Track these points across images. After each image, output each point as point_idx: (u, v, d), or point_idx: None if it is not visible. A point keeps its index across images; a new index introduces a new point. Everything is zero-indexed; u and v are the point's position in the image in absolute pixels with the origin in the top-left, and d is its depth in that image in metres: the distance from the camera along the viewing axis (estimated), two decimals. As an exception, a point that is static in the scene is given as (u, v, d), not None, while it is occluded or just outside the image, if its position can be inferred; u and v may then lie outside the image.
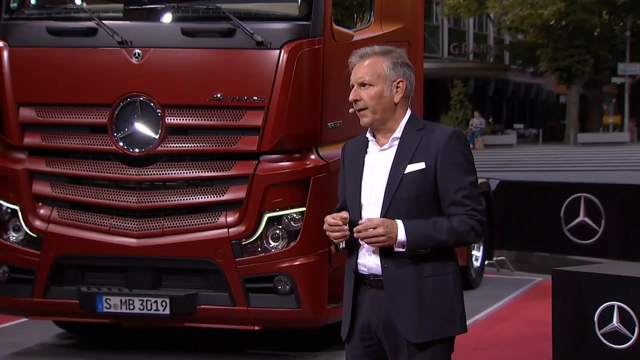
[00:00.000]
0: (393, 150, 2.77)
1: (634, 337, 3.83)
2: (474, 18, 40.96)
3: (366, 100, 2.77)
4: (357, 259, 2.78)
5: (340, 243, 2.77)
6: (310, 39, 4.91)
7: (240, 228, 4.91)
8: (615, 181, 10.72)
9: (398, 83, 2.78)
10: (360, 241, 2.75)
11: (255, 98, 4.87)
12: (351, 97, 2.79)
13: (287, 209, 4.89)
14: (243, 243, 4.90)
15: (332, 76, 5.03)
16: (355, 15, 5.69)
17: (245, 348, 5.63)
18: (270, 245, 4.91)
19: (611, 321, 3.88)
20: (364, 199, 2.77)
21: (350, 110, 2.83)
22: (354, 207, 2.78)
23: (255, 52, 4.88)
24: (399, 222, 2.67)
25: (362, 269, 2.77)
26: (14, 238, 5.21)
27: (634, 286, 3.89)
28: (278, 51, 4.84)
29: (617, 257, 7.79)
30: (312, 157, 4.98)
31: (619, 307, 3.86)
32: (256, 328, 5.03)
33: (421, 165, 2.72)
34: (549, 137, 37.85)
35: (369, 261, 2.76)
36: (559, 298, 4.10)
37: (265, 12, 5.16)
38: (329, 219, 2.72)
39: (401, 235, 2.66)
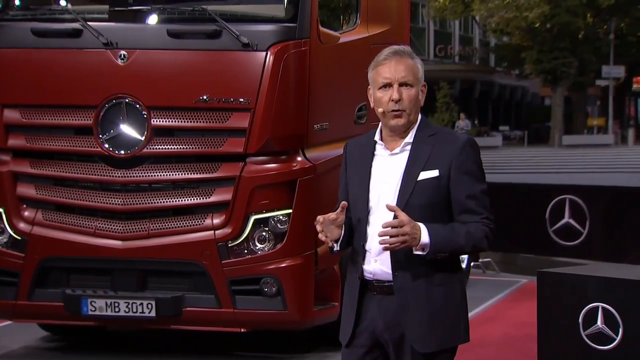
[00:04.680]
0: (405, 155, 2.72)
1: (618, 338, 3.86)
2: (460, 20, 41.11)
3: (406, 101, 2.69)
4: (362, 265, 2.73)
5: (334, 245, 2.72)
6: (297, 41, 4.91)
7: (227, 230, 4.90)
8: (599, 183, 10.78)
9: (422, 87, 2.77)
10: (365, 247, 2.70)
11: (242, 100, 4.86)
12: (395, 96, 2.67)
13: (273, 210, 4.89)
14: (229, 245, 4.89)
15: (319, 78, 5.03)
16: (341, 17, 5.70)
17: (232, 350, 5.62)
18: (257, 247, 4.90)
19: (595, 322, 3.91)
20: (372, 203, 2.71)
21: (380, 110, 2.71)
22: (361, 212, 2.72)
23: (242, 54, 4.87)
24: (422, 225, 2.61)
25: (368, 275, 2.73)
26: (-3, 240, 5.18)
27: (618, 287, 3.92)
28: (264, 53, 4.84)
29: (602, 259, 7.83)
30: (299, 158, 4.98)
31: (603, 308, 3.88)
32: (242, 330, 5.03)
33: (435, 173, 2.67)
34: (534, 139, 38.04)
35: (374, 267, 2.72)
36: (544, 299, 4.12)
37: (251, 14, 5.16)
38: (319, 218, 2.67)
39: (424, 237, 2.60)
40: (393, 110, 2.69)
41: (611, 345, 3.87)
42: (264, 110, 4.84)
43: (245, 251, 4.91)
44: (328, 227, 2.67)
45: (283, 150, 4.97)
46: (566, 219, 8.40)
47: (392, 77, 2.69)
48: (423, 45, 40.17)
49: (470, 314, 7.35)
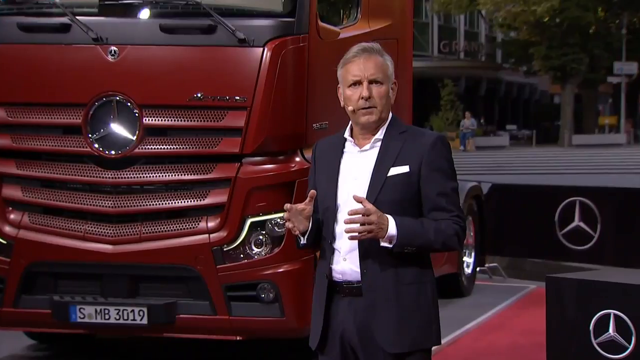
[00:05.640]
0: (375, 151, 2.79)
1: (631, 347, 3.87)
2: (465, 15, 41.15)
3: (376, 98, 2.77)
4: (330, 264, 2.78)
5: (302, 238, 2.77)
6: (295, 37, 4.92)
7: (222, 234, 4.90)
8: (611, 184, 10.82)
9: (393, 84, 2.83)
10: (334, 245, 2.74)
11: (238, 98, 4.87)
12: (365, 93, 2.75)
13: (270, 213, 4.89)
14: (225, 249, 4.90)
15: (318, 75, 5.04)
16: (341, 11, 5.71)
17: (227, 359, 5.62)
18: (253, 252, 4.91)
19: (607, 330, 3.92)
20: (340, 200, 2.78)
21: (350, 108, 2.79)
22: (329, 209, 2.79)
23: (238, 50, 4.88)
24: (389, 216, 2.68)
25: (337, 276, 2.78)
26: (-18, 245, 5.18)
27: (630, 294, 3.93)
28: (261, 49, 4.85)
29: (614, 264, 7.85)
30: (297, 159, 4.99)
31: (615, 315, 3.89)
32: (238, 338, 5.03)
33: (405, 169, 2.75)
34: (543, 138, 38.12)
35: (343, 267, 2.76)
36: (553, 306, 4.13)
37: (247, 8, 5.16)
38: (286, 205, 2.74)
39: (392, 228, 2.67)
40: (363, 108, 2.76)
41: (623, 354, 3.88)
42: (261, 108, 4.85)
43: (241, 256, 4.91)
44: (296, 217, 2.73)
45: (281, 150, 4.98)
46: (576, 222, 8.42)
47: (361, 75, 2.78)
48: (427, 41, 40.22)
49: (476, 322, 7.36)
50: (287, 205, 2.74)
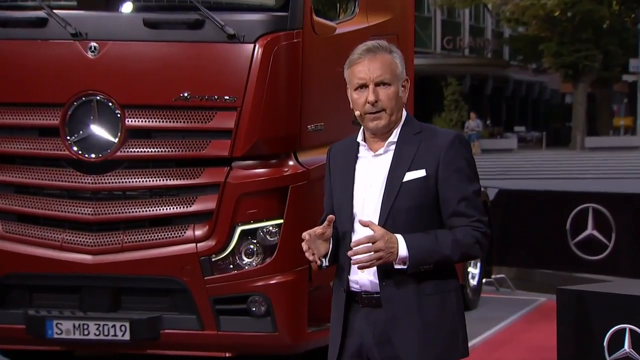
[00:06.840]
0: (389, 155, 2.80)
1: (647, 363, 3.88)
2: (470, 9, 41.30)
3: (385, 101, 2.77)
4: (347, 275, 2.80)
5: (323, 260, 2.79)
6: (288, 32, 4.94)
7: (210, 243, 4.91)
8: (627, 190, 10.84)
9: (404, 82, 2.83)
10: (352, 259, 2.76)
11: (227, 98, 4.88)
12: (371, 98, 2.75)
13: (262, 221, 4.90)
14: (213, 259, 4.91)
15: (313, 73, 5.06)
16: (338, 5, 5.73)
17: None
18: (244, 262, 4.92)
19: (622, 346, 3.93)
20: (356, 210, 2.79)
21: (357, 113, 2.80)
22: (345, 219, 2.80)
23: (227, 47, 4.90)
24: (399, 236, 2.69)
25: (354, 287, 2.80)
26: (-48, 255, 5.18)
27: (647, 307, 3.94)
28: (252, 45, 4.86)
29: (629, 275, 7.88)
30: (290, 163, 5.01)
31: (631, 330, 3.91)
32: (227, 355, 5.04)
33: (421, 173, 2.75)
34: (553, 140, 38.28)
35: (361, 277, 2.78)
36: (564, 320, 4.14)
37: (237, 2, 5.19)
38: (304, 235, 2.75)
39: (402, 250, 2.68)
40: (370, 113, 2.77)
41: (640, 372, 3.89)
42: (251, 109, 4.87)
43: (231, 266, 4.93)
44: (315, 242, 2.75)
45: (273, 153, 4.99)
46: (589, 230, 8.45)
47: (366, 77, 2.77)
48: (429, 37, 40.36)
49: (482, 337, 7.36)
50: (305, 235, 2.74)
